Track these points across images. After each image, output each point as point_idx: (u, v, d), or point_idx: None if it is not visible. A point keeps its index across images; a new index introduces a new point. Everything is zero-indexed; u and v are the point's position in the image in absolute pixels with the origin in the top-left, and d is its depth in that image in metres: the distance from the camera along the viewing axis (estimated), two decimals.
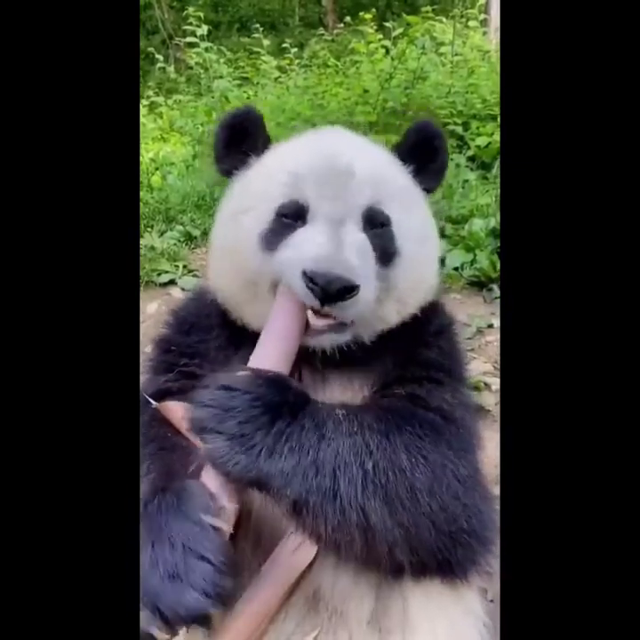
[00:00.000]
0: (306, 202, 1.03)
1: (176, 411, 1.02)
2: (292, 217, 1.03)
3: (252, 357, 0.94)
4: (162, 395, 1.07)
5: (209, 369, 1.09)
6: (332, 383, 1.05)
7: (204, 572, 0.77)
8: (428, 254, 1.15)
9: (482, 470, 1.02)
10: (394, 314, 1.08)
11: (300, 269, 0.92)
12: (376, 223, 1.04)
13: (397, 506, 0.84)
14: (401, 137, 1.21)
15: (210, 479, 0.86)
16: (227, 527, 0.83)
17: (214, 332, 1.14)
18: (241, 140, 1.16)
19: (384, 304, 1.04)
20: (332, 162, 1.05)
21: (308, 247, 0.95)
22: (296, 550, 0.91)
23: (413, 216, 1.12)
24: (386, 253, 1.04)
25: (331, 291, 0.89)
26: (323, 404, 0.91)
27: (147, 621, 0.74)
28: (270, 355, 0.94)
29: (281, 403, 0.85)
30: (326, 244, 0.94)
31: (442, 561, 0.91)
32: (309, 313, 0.95)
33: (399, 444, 0.88)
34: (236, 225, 1.10)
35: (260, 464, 0.81)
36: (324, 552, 0.91)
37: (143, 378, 1.15)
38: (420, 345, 1.08)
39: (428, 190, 1.20)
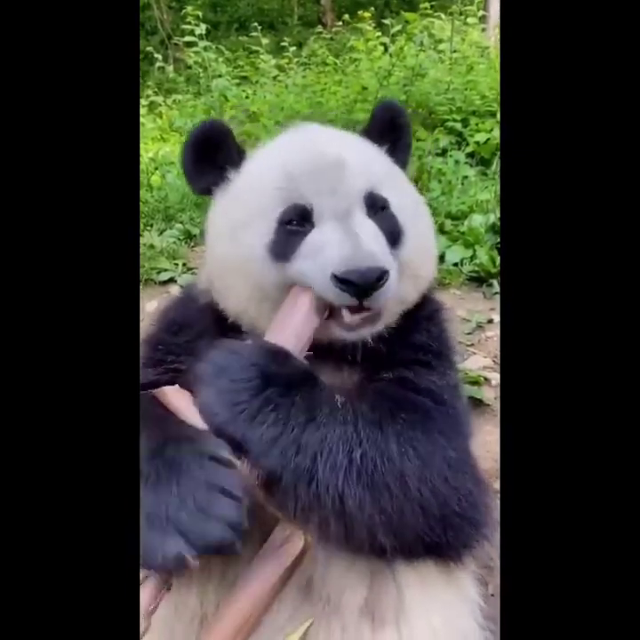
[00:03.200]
0: (308, 203, 1.02)
1: (174, 395, 1.00)
2: (297, 222, 1.02)
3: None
4: (151, 387, 1.06)
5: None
6: (323, 368, 1.04)
7: (227, 505, 0.78)
8: (426, 226, 1.18)
9: (472, 452, 1.02)
10: (412, 291, 1.10)
11: (328, 275, 0.92)
12: (378, 207, 1.05)
13: (383, 493, 0.84)
14: (368, 120, 1.23)
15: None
16: (239, 463, 0.83)
17: (203, 335, 1.13)
18: (213, 155, 1.12)
19: (402, 284, 1.04)
20: (321, 157, 1.05)
21: (328, 251, 0.95)
22: (283, 544, 0.90)
23: (405, 194, 1.14)
24: (393, 235, 1.05)
25: (366, 285, 0.90)
26: (325, 387, 0.90)
27: (176, 546, 0.76)
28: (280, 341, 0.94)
29: (277, 373, 0.86)
30: (345, 241, 0.94)
31: (431, 544, 0.90)
32: (344, 311, 0.95)
33: (391, 434, 0.88)
34: (236, 242, 1.06)
35: (239, 423, 0.82)
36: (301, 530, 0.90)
37: None
38: (409, 329, 1.09)
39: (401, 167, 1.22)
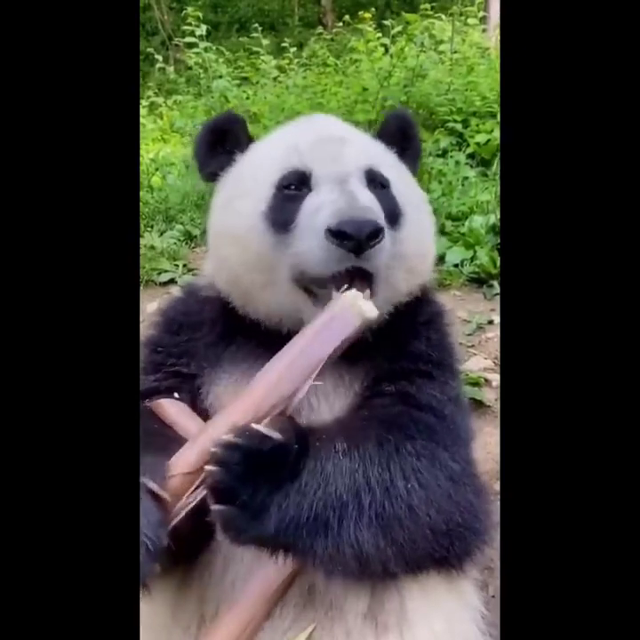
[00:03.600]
0: (307, 168, 1.03)
1: (168, 408, 1.01)
2: (296, 186, 1.02)
3: (276, 361, 0.88)
4: (150, 394, 1.07)
5: (197, 367, 1.09)
6: (324, 377, 1.04)
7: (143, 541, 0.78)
8: (427, 222, 1.16)
9: (473, 462, 1.03)
10: (403, 283, 1.08)
11: (322, 231, 0.90)
12: (377, 183, 1.05)
13: (395, 527, 0.85)
14: (380, 125, 1.26)
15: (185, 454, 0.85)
16: (170, 498, 0.81)
17: (204, 330, 1.13)
18: (223, 140, 1.17)
19: (394, 272, 1.03)
20: (326, 132, 1.09)
21: (324, 210, 0.94)
22: None
23: (408, 183, 1.14)
24: (392, 213, 1.04)
25: (362, 236, 0.88)
26: (321, 437, 0.88)
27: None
28: (295, 368, 0.87)
29: (284, 456, 0.83)
30: (340, 198, 0.94)
31: (438, 558, 0.92)
32: (334, 293, 0.92)
33: (398, 471, 0.88)
34: (232, 211, 1.08)
35: (263, 531, 0.80)
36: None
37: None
38: (408, 336, 1.08)
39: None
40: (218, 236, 1.13)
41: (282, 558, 0.85)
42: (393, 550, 0.86)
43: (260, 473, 0.81)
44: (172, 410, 1.01)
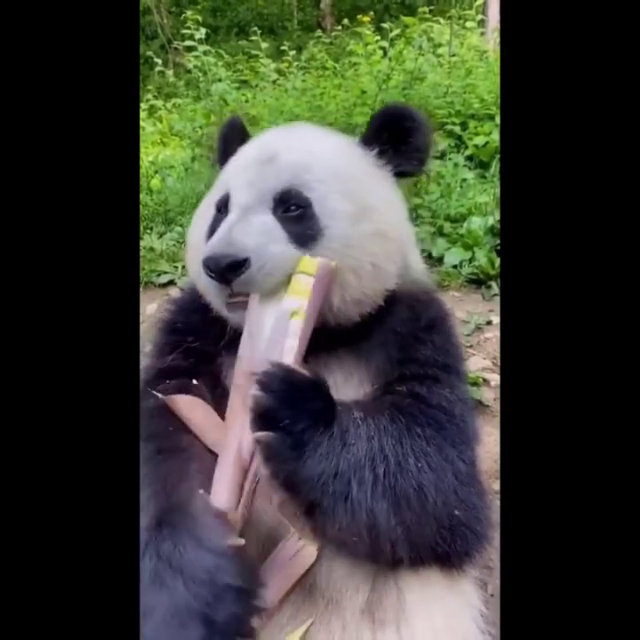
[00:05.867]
0: (229, 192, 1.08)
1: (186, 405, 1.00)
2: (223, 210, 1.09)
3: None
4: (170, 374, 1.08)
5: (216, 346, 1.11)
6: (331, 378, 1.04)
7: (233, 602, 0.76)
8: (374, 234, 1.06)
9: (478, 464, 1.04)
10: (349, 285, 1.03)
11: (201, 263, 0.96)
12: (291, 205, 1.04)
13: (403, 505, 0.87)
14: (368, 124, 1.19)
15: (223, 488, 0.86)
16: (240, 541, 0.82)
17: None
18: (232, 143, 1.25)
19: (341, 280, 1.02)
20: (257, 152, 1.11)
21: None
22: (295, 555, 0.92)
23: (354, 198, 1.06)
24: (303, 235, 1.02)
25: (220, 269, 0.93)
26: (342, 405, 0.92)
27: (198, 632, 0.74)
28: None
29: (322, 410, 0.88)
30: (221, 231, 0.98)
31: (440, 554, 0.93)
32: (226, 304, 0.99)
33: (409, 448, 0.90)
34: (195, 226, 1.19)
35: (298, 468, 0.84)
36: (327, 548, 0.92)
37: (147, 362, 1.15)
38: (413, 341, 1.08)
39: (405, 173, 1.17)
40: (188, 250, 1.22)
41: (304, 519, 0.87)
42: (401, 530, 0.87)
43: (299, 402, 0.85)
44: (188, 407, 1.00)
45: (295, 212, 1.03)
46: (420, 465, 0.89)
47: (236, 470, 0.87)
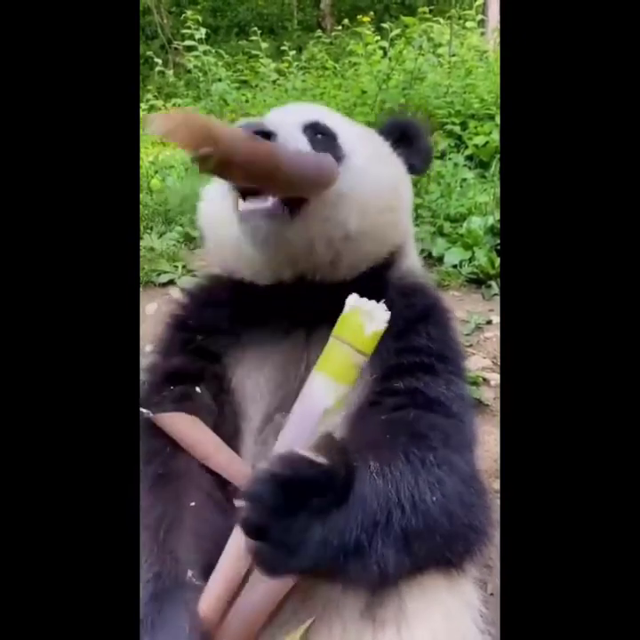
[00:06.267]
0: (260, 125, 1.11)
1: (176, 422, 0.99)
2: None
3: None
4: (174, 379, 1.07)
5: (223, 345, 1.12)
6: None
7: None
8: (389, 177, 1.17)
9: (477, 463, 1.04)
10: (353, 221, 1.08)
11: None
12: (318, 132, 1.11)
13: (415, 541, 0.87)
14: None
15: (212, 595, 0.86)
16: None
17: (225, 310, 1.16)
18: None
19: (339, 208, 1.06)
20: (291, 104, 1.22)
21: None
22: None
23: (373, 147, 1.19)
24: (331, 154, 1.07)
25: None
26: (360, 458, 0.88)
27: None
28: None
29: (330, 482, 0.82)
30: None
31: (442, 558, 0.94)
32: (240, 202, 0.98)
33: (425, 486, 0.88)
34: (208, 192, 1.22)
35: (305, 562, 0.81)
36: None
37: (153, 359, 1.14)
38: (408, 330, 1.09)
39: (413, 170, 1.26)
40: (205, 220, 1.23)
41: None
42: (409, 560, 0.87)
43: (298, 504, 0.79)
44: (178, 425, 1.00)
45: (322, 138, 1.10)
46: (434, 498, 0.88)
47: (230, 576, 0.87)
